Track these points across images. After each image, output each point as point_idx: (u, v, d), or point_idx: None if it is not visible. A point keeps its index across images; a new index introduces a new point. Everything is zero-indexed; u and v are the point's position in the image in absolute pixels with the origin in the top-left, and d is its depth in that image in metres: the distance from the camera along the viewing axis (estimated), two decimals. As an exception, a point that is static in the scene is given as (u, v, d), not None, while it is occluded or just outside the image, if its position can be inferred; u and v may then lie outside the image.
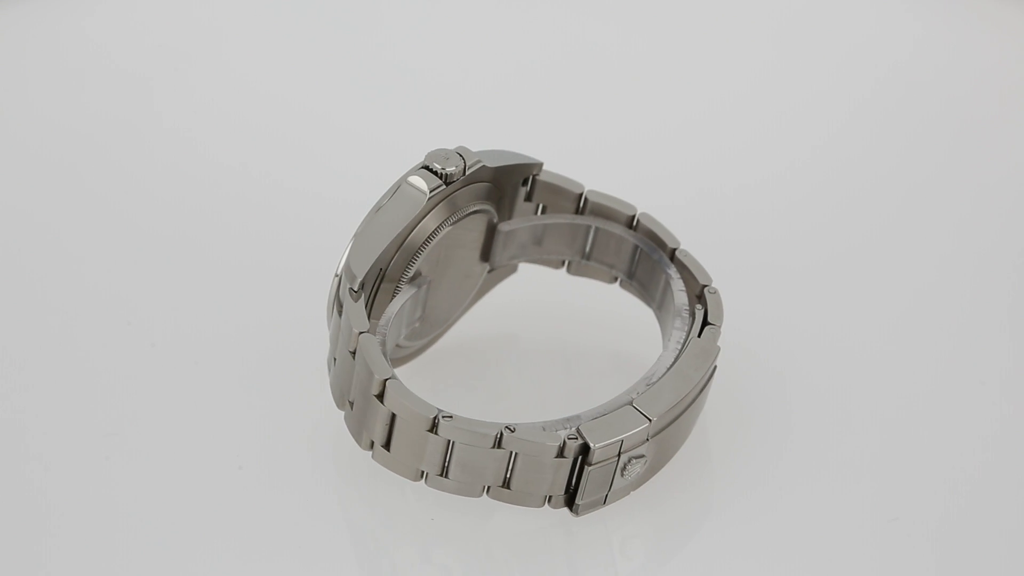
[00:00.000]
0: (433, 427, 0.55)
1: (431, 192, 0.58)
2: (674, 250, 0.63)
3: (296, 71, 0.83)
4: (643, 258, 0.64)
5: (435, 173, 0.59)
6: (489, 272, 0.65)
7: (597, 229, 0.64)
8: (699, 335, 0.59)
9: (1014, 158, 0.80)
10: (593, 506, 0.57)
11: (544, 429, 0.55)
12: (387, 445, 0.56)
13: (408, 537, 0.59)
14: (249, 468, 0.60)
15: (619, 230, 0.64)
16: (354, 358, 0.56)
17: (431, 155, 0.59)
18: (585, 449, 0.55)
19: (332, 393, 0.58)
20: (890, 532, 0.59)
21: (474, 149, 0.61)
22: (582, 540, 0.59)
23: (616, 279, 0.65)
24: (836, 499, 0.60)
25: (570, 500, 0.57)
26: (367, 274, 0.57)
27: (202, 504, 0.59)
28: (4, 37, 0.83)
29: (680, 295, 0.61)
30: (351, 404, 0.57)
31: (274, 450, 0.60)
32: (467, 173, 0.59)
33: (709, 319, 0.60)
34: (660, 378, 0.58)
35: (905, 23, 0.89)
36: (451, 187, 0.59)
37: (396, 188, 0.59)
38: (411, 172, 0.59)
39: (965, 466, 0.62)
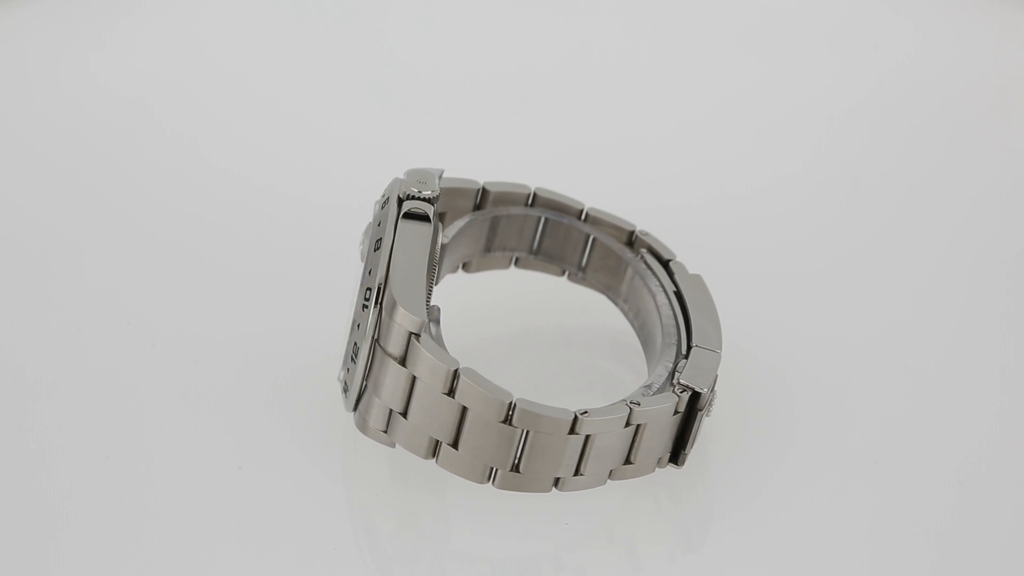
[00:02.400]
0: (573, 428, 0.54)
1: (431, 217, 0.57)
2: (580, 211, 0.63)
3: (292, 73, 0.83)
4: (550, 227, 0.63)
5: (420, 199, 0.57)
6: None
7: (498, 217, 0.63)
8: (668, 274, 0.61)
9: (1012, 160, 0.81)
10: (689, 454, 0.58)
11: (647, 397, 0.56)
12: (517, 467, 0.55)
13: (412, 537, 0.59)
14: (249, 468, 0.60)
15: (520, 210, 0.63)
16: (453, 397, 0.54)
17: (405, 184, 0.58)
18: (695, 397, 0.56)
19: (413, 449, 0.55)
20: (890, 533, 0.60)
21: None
22: (579, 537, 0.59)
23: (513, 261, 0.65)
24: (837, 500, 0.60)
25: (674, 455, 0.57)
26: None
27: (201, 504, 0.58)
28: (5, 38, 0.83)
29: (659, 293, 0.61)
30: (452, 445, 0.55)
31: (274, 449, 0.60)
32: (438, 191, 0.58)
33: (664, 256, 0.61)
34: (685, 324, 0.59)
35: (903, 24, 0.90)
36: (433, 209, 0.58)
37: (395, 225, 0.57)
38: (396, 204, 0.57)
39: (967, 467, 0.62)
